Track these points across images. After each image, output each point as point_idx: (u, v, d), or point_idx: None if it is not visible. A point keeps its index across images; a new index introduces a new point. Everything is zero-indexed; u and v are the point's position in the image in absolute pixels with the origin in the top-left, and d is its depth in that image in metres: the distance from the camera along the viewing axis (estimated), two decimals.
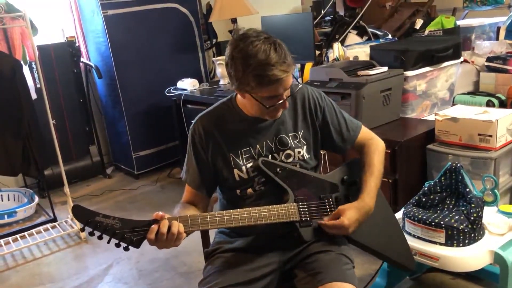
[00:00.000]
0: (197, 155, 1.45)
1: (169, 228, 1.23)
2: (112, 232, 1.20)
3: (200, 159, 1.45)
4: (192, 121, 1.50)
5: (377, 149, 1.53)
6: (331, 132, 1.52)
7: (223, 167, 1.44)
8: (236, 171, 1.43)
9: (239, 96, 1.43)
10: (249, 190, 1.45)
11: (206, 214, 1.30)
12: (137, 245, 1.23)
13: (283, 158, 1.45)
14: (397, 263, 1.55)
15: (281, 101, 1.35)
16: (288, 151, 1.46)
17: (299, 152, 1.47)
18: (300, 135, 1.48)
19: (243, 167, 1.43)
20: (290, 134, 1.47)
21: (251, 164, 1.43)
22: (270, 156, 1.44)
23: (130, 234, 1.21)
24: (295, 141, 1.47)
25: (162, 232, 1.22)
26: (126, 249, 1.23)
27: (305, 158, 1.47)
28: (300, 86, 1.49)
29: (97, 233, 1.21)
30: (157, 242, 1.23)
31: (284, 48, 1.31)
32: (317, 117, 1.51)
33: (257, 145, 1.45)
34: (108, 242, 1.22)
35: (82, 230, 1.22)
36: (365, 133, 1.57)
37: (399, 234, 1.59)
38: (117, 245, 1.22)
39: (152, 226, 1.22)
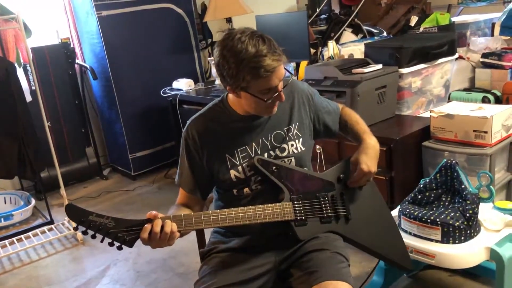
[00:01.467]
0: (190, 159, 1.45)
1: (162, 227, 1.23)
2: (105, 231, 1.20)
3: (194, 163, 1.45)
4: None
5: (351, 111, 1.66)
6: (325, 117, 1.57)
7: (219, 169, 1.43)
8: (232, 172, 1.43)
9: (230, 96, 1.43)
10: (246, 190, 1.45)
11: (200, 213, 1.30)
12: (130, 244, 1.23)
13: (278, 152, 1.45)
14: (394, 262, 1.54)
15: (277, 93, 1.34)
16: (283, 145, 1.46)
17: (292, 145, 1.47)
18: (295, 128, 1.48)
19: (240, 167, 1.42)
20: (284, 128, 1.47)
21: (247, 163, 1.42)
22: (266, 154, 1.44)
23: (123, 233, 1.21)
24: (289, 134, 1.47)
25: (155, 232, 1.22)
26: (119, 248, 1.23)
27: (300, 150, 1.48)
28: (292, 78, 1.50)
29: (91, 232, 1.21)
30: (150, 241, 1.23)
31: (272, 40, 1.32)
32: (310, 107, 1.52)
33: (253, 143, 1.44)
34: (102, 241, 1.22)
35: (76, 229, 1.22)
36: (341, 107, 1.68)
37: (396, 234, 1.59)
38: (111, 244, 1.22)
39: (145, 225, 1.22)
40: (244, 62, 1.27)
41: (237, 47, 1.27)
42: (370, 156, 1.46)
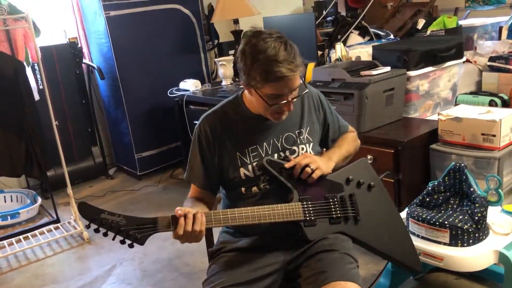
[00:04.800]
0: (202, 154, 1.46)
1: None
2: (117, 229, 1.21)
3: (206, 159, 1.46)
4: (195, 121, 1.51)
5: (353, 137, 1.65)
6: (329, 131, 1.59)
7: (229, 166, 1.44)
8: (242, 170, 1.43)
9: (246, 93, 1.44)
10: (254, 189, 1.45)
11: (210, 212, 1.31)
12: (142, 242, 1.23)
13: (288, 154, 1.46)
14: (403, 264, 1.54)
15: (285, 101, 1.35)
16: (294, 148, 1.47)
17: (303, 149, 1.48)
18: (306, 132, 1.49)
19: (250, 166, 1.43)
20: (296, 131, 1.48)
21: (257, 162, 1.43)
22: (276, 155, 1.45)
23: (135, 231, 1.22)
24: (300, 138, 1.48)
25: (187, 230, 1.24)
26: (130, 246, 1.23)
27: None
28: (307, 90, 1.50)
29: (102, 230, 1.22)
30: (183, 236, 1.26)
31: (295, 49, 1.33)
32: (320, 115, 1.55)
33: (264, 143, 1.45)
34: (113, 239, 1.23)
35: (88, 227, 1.23)
36: (350, 130, 1.67)
37: (405, 235, 1.59)
38: (122, 242, 1.23)
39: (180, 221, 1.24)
40: (258, 63, 1.29)
41: (258, 46, 1.29)
42: (321, 158, 1.46)
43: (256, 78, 1.31)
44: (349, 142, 1.61)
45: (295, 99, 1.38)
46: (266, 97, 1.34)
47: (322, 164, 1.42)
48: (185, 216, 1.25)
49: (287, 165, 1.41)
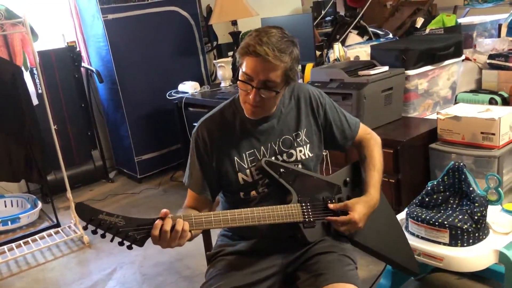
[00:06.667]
0: (200, 160, 1.44)
1: (173, 226, 1.21)
2: (115, 230, 1.18)
3: (204, 164, 1.44)
4: (194, 124, 1.49)
5: (376, 143, 1.56)
6: (333, 129, 1.53)
7: (227, 171, 1.43)
8: (240, 175, 1.42)
9: None
10: (253, 193, 1.44)
11: (210, 213, 1.29)
12: (141, 243, 1.21)
13: (285, 157, 1.44)
14: (401, 266, 1.53)
15: (247, 86, 1.31)
16: (291, 151, 1.45)
17: (300, 151, 1.46)
18: (303, 134, 1.47)
19: (247, 170, 1.42)
20: (293, 134, 1.46)
21: (255, 166, 1.42)
22: (273, 158, 1.43)
23: (133, 232, 1.19)
24: (297, 140, 1.46)
25: (165, 230, 1.20)
26: (129, 247, 1.20)
27: (307, 156, 1.46)
28: (298, 84, 1.49)
29: (100, 231, 1.18)
30: (160, 240, 1.21)
31: (291, 48, 1.31)
32: (319, 115, 1.50)
33: (262, 147, 1.43)
34: (112, 240, 1.19)
35: (85, 228, 1.21)
36: (363, 129, 1.60)
37: (402, 238, 1.58)
38: (120, 244, 1.20)
39: (156, 222, 1.21)
40: (249, 37, 1.30)
41: (260, 28, 1.33)
42: (366, 211, 1.40)
43: (239, 52, 1.31)
44: (375, 163, 1.50)
45: (262, 93, 1.32)
46: (240, 75, 1.33)
47: (363, 223, 1.39)
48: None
49: (332, 206, 1.40)
